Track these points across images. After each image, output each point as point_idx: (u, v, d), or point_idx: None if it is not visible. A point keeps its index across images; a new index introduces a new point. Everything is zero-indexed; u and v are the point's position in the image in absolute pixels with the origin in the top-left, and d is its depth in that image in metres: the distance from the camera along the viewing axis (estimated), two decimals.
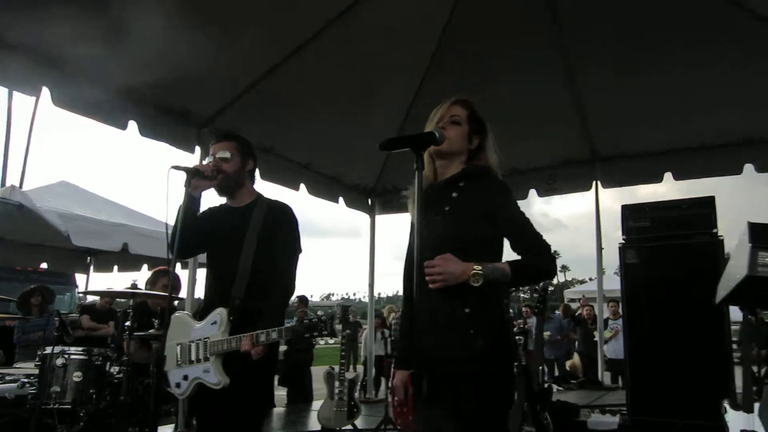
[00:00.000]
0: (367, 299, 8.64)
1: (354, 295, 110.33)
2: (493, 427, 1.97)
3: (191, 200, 2.65)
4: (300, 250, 2.77)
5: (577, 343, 10.89)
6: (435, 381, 1.96)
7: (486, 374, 1.95)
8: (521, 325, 9.60)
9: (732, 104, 5.50)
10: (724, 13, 4.61)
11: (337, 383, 5.58)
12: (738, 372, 4.11)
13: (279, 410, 7.21)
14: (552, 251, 2.15)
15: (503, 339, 2.04)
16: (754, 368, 3.68)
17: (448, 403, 1.97)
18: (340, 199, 7.28)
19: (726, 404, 3.75)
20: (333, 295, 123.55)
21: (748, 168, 5.85)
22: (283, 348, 7.66)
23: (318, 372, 7.07)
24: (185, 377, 2.64)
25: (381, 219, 7.85)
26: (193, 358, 2.63)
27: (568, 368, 10.50)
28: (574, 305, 14.38)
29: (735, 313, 4.17)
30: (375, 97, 5.79)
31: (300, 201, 8.13)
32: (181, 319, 2.80)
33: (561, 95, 5.96)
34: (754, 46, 4.77)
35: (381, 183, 7.61)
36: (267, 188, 5.67)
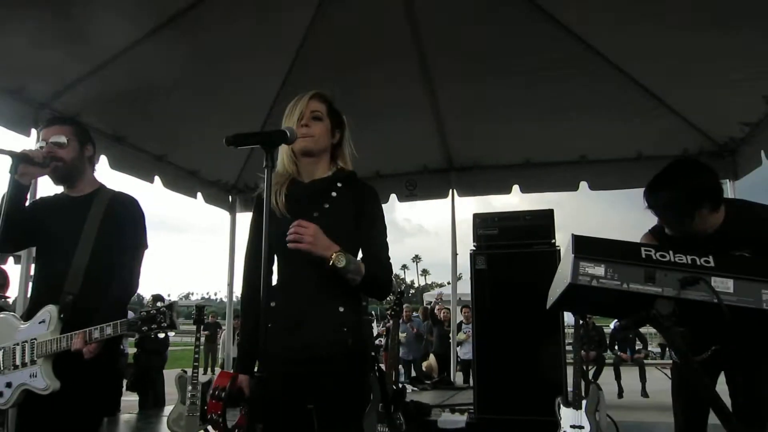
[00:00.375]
0: None
1: (215, 294, 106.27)
2: (350, 427, 1.96)
3: (17, 188, 2.37)
4: (145, 246, 2.58)
5: (433, 344, 11.30)
6: (293, 382, 1.93)
7: (348, 374, 1.95)
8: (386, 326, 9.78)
9: (571, 126, 6.04)
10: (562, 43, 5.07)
11: (189, 387, 5.29)
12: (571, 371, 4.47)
13: (127, 416, 6.70)
14: (391, 273, 2.14)
15: (367, 340, 2.08)
16: (584, 368, 4.04)
17: (304, 404, 1.95)
18: (199, 194, 6.93)
19: (559, 401, 4.05)
20: (192, 294, 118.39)
21: (583, 185, 6.50)
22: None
23: (172, 375, 6.67)
24: (8, 384, 2.35)
25: (243, 217, 7.59)
26: (18, 362, 2.35)
27: (424, 369, 10.87)
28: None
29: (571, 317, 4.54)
30: (238, 90, 5.59)
31: (155, 195, 7.72)
32: (4, 320, 2.50)
33: (422, 105, 6.17)
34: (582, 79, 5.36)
35: (243, 179, 7.36)
36: (118, 179, 5.25)
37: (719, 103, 5.36)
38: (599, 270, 1.37)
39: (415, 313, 12.61)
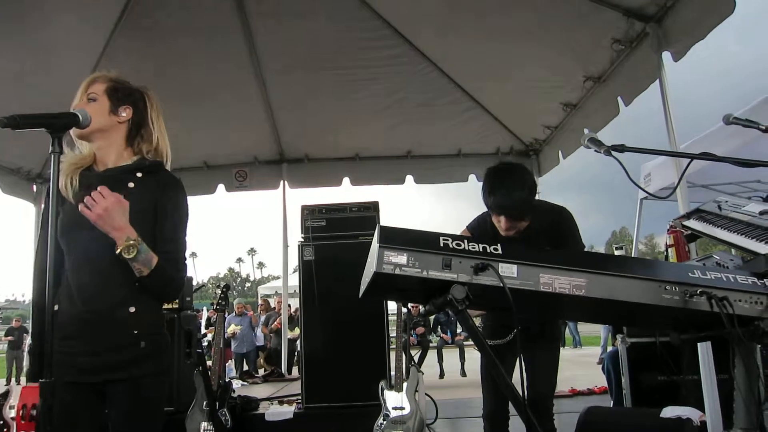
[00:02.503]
0: None
1: (23, 296, 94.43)
2: None
3: None
4: None
5: (271, 337, 11.14)
6: (80, 392, 1.78)
7: (142, 379, 1.81)
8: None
9: (398, 123, 6.32)
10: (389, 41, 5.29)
11: None
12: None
13: None
14: (185, 276, 2.00)
15: (163, 341, 1.93)
16: (409, 353, 4.25)
17: (94, 416, 1.81)
18: None
19: (382, 385, 4.20)
20: None
21: (409, 178, 6.87)
22: None
23: None
24: None
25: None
26: None
27: (262, 362, 10.69)
28: (271, 301, 14.79)
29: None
30: (46, 62, 5.00)
31: None
32: None
33: (254, 95, 6.07)
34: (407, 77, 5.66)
35: (49, 167, 6.62)
36: None
37: (526, 107, 5.95)
38: (402, 258, 1.44)
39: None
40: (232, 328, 10.85)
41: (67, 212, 1.84)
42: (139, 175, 1.94)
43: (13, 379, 14.85)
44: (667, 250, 3.81)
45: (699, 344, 3.56)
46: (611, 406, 4.58)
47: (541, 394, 2.71)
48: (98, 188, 1.72)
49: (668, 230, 3.69)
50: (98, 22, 4.91)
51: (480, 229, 2.81)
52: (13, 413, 4.70)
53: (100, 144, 1.95)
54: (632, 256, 7.04)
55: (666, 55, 3.81)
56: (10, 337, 15.35)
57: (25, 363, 14.33)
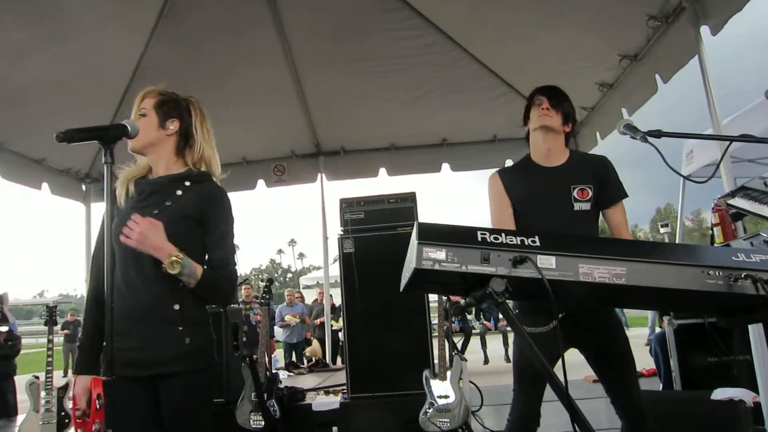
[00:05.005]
0: None
1: (75, 290, 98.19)
2: (195, 427, 1.96)
3: None
4: None
5: (316, 329, 11.31)
6: (134, 386, 1.91)
7: (190, 374, 1.93)
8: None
9: (432, 112, 6.31)
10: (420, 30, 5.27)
11: (43, 393, 4.92)
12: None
13: None
14: (235, 281, 2.14)
15: (208, 337, 2.05)
16: (452, 340, 4.27)
17: (149, 409, 1.93)
18: (45, 185, 6.31)
19: (426, 374, 4.24)
20: (47, 291, 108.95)
21: (446, 166, 6.86)
22: None
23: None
24: None
25: (98, 207, 7.01)
26: None
27: (307, 353, 10.87)
28: (311, 291, 15.00)
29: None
30: (87, 75, 5.18)
31: None
32: None
33: (289, 90, 6.15)
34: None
35: (97, 168, 6.79)
36: None
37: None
38: (440, 254, 1.47)
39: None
40: (289, 317, 11.03)
41: (120, 217, 1.94)
42: (187, 183, 2.06)
43: (70, 371, 15.54)
44: (712, 229, 3.72)
45: (750, 325, 3.48)
46: (660, 389, 4.52)
47: (632, 398, 2.35)
48: (132, 216, 1.86)
49: (712, 209, 3.61)
50: (136, 28, 5.05)
51: (519, 171, 2.56)
52: (71, 404, 4.94)
53: (152, 156, 2.09)
54: (677, 234, 6.90)
55: (704, 30, 3.70)
56: (66, 331, 15.79)
57: None
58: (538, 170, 2.48)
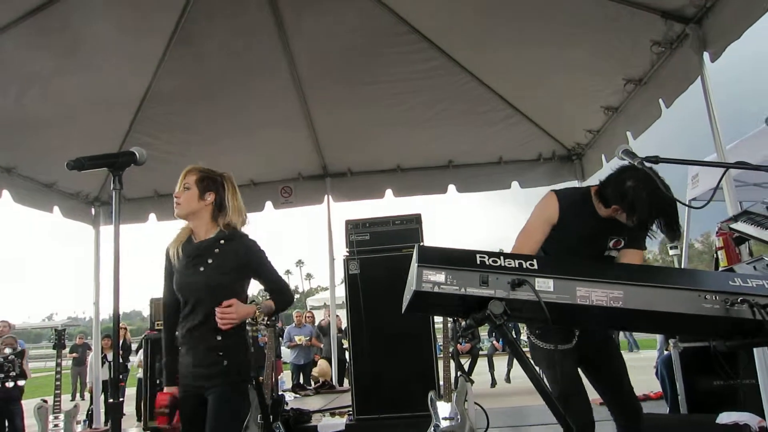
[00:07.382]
0: None
1: (83, 313, 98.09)
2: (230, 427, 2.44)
3: None
4: None
5: (323, 350, 11.22)
6: (193, 397, 2.48)
7: (225, 387, 2.43)
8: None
9: (438, 134, 6.38)
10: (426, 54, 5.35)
11: (51, 417, 4.92)
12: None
13: None
14: (292, 287, 2.80)
15: (242, 360, 2.55)
16: (459, 361, 4.26)
17: (203, 417, 2.42)
18: (56, 208, 6.43)
19: (432, 395, 4.23)
20: (56, 314, 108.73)
21: (452, 188, 6.90)
22: None
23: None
24: None
25: (107, 230, 7.09)
26: None
27: (316, 374, 10.78)
28: (317, 313, 14.90)
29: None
30: (97, 103, 5.29)
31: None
32: None
33: (297, 113, 6.23)
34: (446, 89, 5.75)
35: (106, 191, 6.87)
36: None
37: (567, 112, 5.91)
38: (440, 277, 1.50)
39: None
40: (300, 338, 11.00)
41: (179, 274, 2.55)
42: (222, 242, 2.57)
43: (77, 395, 15.30)
44: (716, 253, 3.73)
45: (755, 348, 3.46)
46: (667, 411, 4.48)
47: (635, 403, 2.63)
48: (218, 310, 2.42)
49: (717, 233, 3.62)
50: (148, 50, 5.15)
51: (577, 207, 2.55)
52: (80, 428, 4.94)
53: (194, 222, 2.62)
54: (682, 258, 6.88)
55: (707, 56, 3.75)
56: (74, 354, 15.39)
57: (89, 378, 14.60)
58: (594, 217, 2.51)
